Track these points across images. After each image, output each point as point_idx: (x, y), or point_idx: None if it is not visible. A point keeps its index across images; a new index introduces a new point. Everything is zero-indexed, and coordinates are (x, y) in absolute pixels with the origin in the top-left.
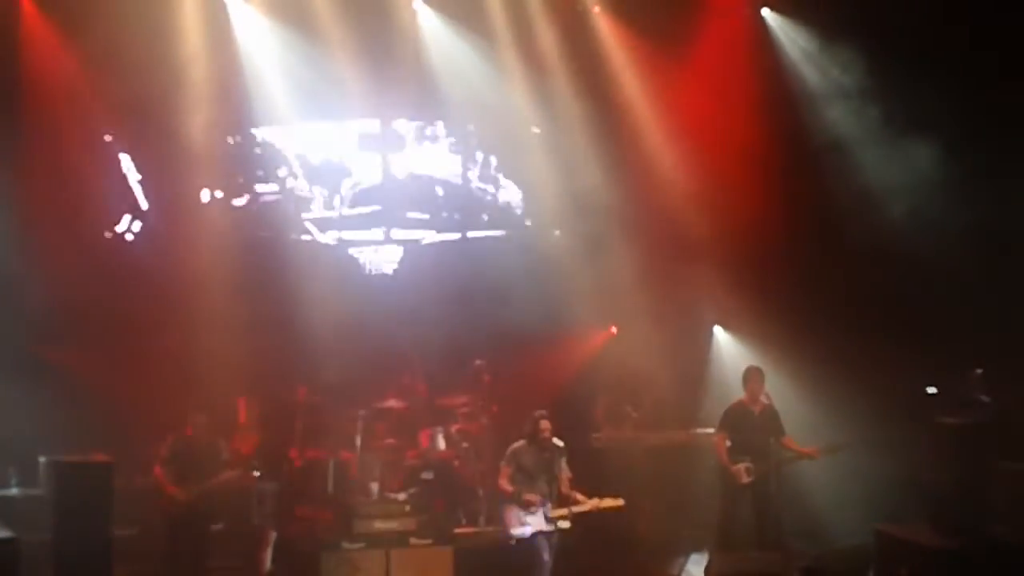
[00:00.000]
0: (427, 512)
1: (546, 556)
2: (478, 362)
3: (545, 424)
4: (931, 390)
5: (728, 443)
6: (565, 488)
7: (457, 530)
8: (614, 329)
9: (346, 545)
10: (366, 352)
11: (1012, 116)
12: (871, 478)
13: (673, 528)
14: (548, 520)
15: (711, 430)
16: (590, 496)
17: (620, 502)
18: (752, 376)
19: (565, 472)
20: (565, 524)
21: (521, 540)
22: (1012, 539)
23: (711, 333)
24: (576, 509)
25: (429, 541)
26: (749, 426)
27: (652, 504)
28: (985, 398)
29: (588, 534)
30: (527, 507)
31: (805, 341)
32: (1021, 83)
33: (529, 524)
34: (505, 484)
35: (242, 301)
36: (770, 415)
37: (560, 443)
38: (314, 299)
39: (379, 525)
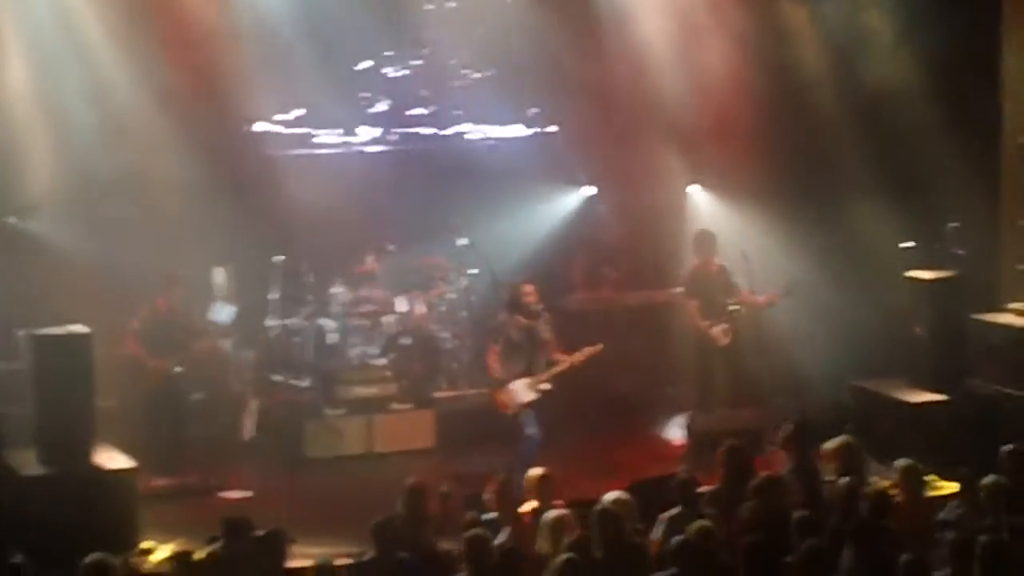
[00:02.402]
0: (407, 377)
1: (529, 430)
2: (455, 222)
3: (528, 289)
4: (906, 244)
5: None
6: (550, 354)
7: (437, 394)
8: (592, 190)
9: (327, 412)
10: (344, 219)
11: None
12: (847, 334)
13: (653, 386)
14: (534, 391)
15: (679, 290)
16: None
17: (598, 347)
18: (703, 239)
19: (549, 337)
20: (546, 386)
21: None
22: (987, 390)
23: (686, 192)
24: (556, 370)
25: (410, 406)
26: (711, 287)
27: (631, 363)
28: (959, 252)
29: (568, 393)
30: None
31: (780, 199)
32: None
33: (519, 397)
34: (495, 364)
35: (219, 171)
36: (725, 273)
37: (542, 309)
38: (289, 173)
39: (360, 391)
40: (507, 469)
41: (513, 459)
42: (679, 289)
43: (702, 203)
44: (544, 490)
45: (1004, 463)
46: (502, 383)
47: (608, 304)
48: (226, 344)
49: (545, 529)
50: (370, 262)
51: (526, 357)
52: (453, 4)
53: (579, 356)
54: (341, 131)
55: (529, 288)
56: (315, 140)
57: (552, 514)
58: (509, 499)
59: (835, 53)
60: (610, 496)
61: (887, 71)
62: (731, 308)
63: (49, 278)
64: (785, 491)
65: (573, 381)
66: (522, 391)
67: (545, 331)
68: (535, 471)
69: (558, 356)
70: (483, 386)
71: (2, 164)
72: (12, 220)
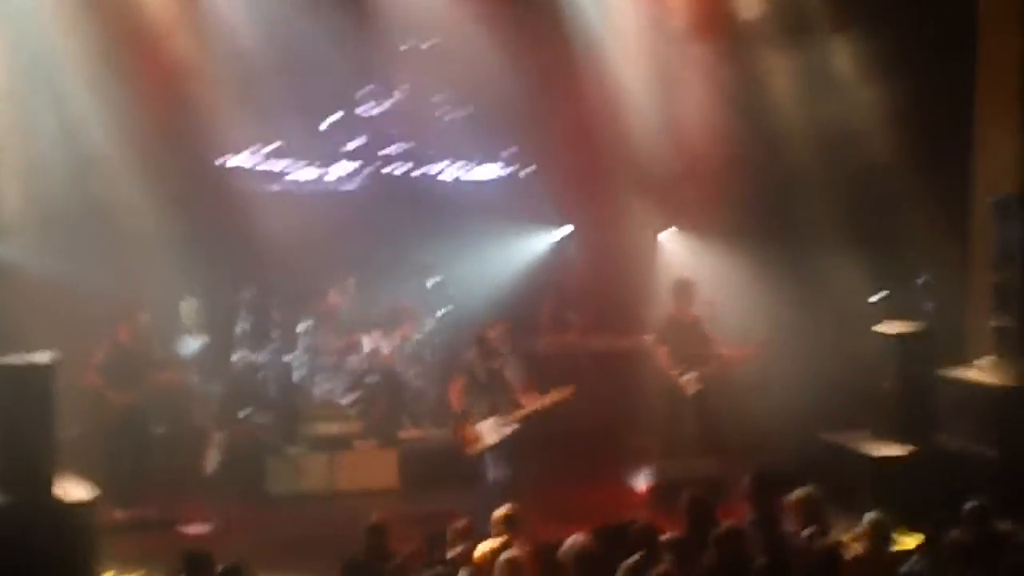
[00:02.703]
0: (372, 415)
1: (493, 473)
2: (424, 261)
3: (492, 332)
4: (875, 297)
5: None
6: (518, 395)
7: (402, 433)
8: (562, 232)
9: (290, 448)
10: (314, 256)
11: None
12: (815, 386)
13: (618, 433)
14: (499, 432)
15: (651, 338)
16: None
17: (567, 392)
18: (682, 288)
19: (515, 378)
20: (512, 428)
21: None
22: (953, 446)
23: (656, 238)
24: (522, 413)
25: (374, 444)
26: (683, 336)
27: (596, 409)
28: (928, 306)
29: (533, 437)
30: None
31: (752, 248)
32: None
33: (485, 437)
34: (455, 398)
35: (189, 203)
36: (699, 324)
37: (506, 348)
38: (260, 208)
39: (323, 428)
40: (470, 509)
41: (474, 500)
42: (650, 336)
43: (674, 249)
44: (509, 529)
45: (967, 519)
46: (465, 417)
47: (573, 349)
48: (192, 377)
49: (498, 571)
50: (332, 296)
51: (491, 397)
52: (429, 44)
53: (547, 400)
54: (314, 167)
55: (496, 328)
56: (288, 176)
57: (506, 555)
58: (470, 539)
59: (809, 105)
60: (572, 540)
61: (860, 124)
62: (702, 359)
63: (14, 305)
64: (747, 541)
65: (537, 425)
66: (488, 432)
67: (512, 372)
68: (501, 510)
69: (524, 398)
70: (448, 426)
71: None
72: None
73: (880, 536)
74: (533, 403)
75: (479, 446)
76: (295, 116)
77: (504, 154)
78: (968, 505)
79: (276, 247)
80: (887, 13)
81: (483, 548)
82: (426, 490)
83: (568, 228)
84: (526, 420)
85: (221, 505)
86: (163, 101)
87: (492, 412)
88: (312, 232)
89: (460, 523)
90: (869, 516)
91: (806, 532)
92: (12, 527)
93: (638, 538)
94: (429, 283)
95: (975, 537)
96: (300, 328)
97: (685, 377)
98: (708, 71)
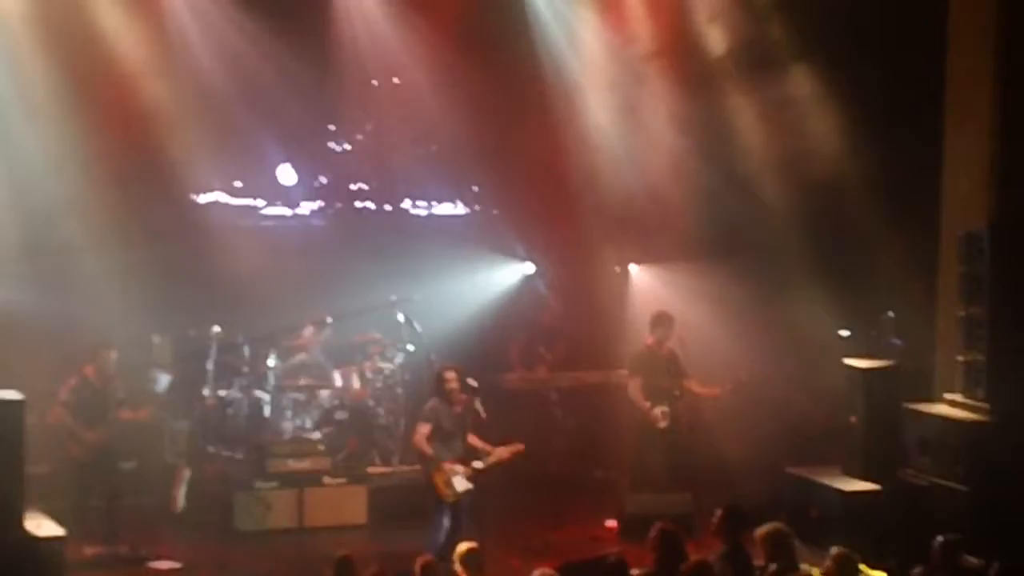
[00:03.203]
0: (341, 452)
1: (447, 522)
2: (392, 298)
3: (450, 376)
4: (843, 333)
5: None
6: (472, 440)
7: (371, 470)
8: (530, 267)
9: (259, 484)
10: (282, 291)
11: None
12: (783, 421)
13: (587, 467)
14: (468, 479)
15: (624, 371)
16: (493, 444)
17: (519, 448)
18: (661, 320)
19: (476, 423)
20: (468, 486)
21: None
22: (920, 481)
23: (626, 272)
24: (477, 465)
25: (343, 480)
26: (657, 369)
27: (564, 445)
28: (896, 341)
29: (499, 476)
30: (450, 472)
31: (719, 284)
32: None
33: (459, 485)
34: (424, 445)
35: (158, 239)
36: (674, 358)
37: (474, 384)
38: (229, 244)
39: (292, 464)
40: (440, 549)
41: (432, 541)
42: (623, 369)
43: (644, 282)
44: (471, 565)
45: (935, 554)
46: (438, 464)
47: (542, 384)
48: (161, 413)
49: None
50: (308, 334)
51: (460, 445)
52: (397, 81)
53: (503, 453)
54: (282, 204)
55: (452, 374)
56: (256, 212)
57: None
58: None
59: (775, 139)
60: (538, 574)
61: (827, 159)
62: (674, 393)
63: None
64: (716, 575)
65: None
66: (461, 480)
67: (473, 417)
68: (462, 547)
69: (476, 443)
70: (416, 464)
71: None
72: None
73: (846, 571)
74: (492, 456)
75: (455, 495)
76: (263, 153)
77: (470, 190)
78: (938, 540)
79: (245, 283)
80: (853, 46)
81: None
82: (395, 526)
83: (535, 263)
84: (479, 474)
85: (190, 542)
86: (130, 139)
87: (462, 460)
88: (280, 267)
89: (424, 559)
90: (835, 550)
91: (773, 566)
92: None
93: (611, 572)
94: (399, 317)
95: (943, 573)
96: (270, 363)
97: (655, 410)
98: (673, 106)
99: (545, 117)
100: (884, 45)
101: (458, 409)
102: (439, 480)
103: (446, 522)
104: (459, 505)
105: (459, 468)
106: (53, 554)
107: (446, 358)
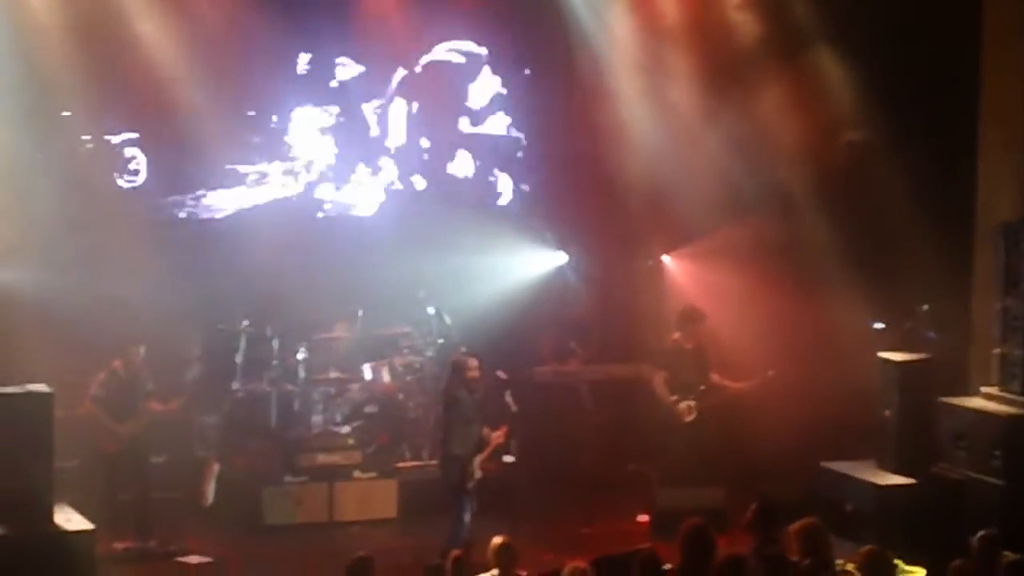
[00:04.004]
0: (371, 446)
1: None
2: (422, 294)
3: (472, 363)
4: (878, 325)
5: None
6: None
7: (401, 464)
8: (562, 258)
9: (289, 479)
10: (312, 285)
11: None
12: (816, 415)
13: (618, 462)
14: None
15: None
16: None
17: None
18: (689, 316)
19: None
20: (478, 474)
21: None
22: (955, 475)
23: (659, 264)
24: (486, 453)
25: (373, 474)
26: (684, 364)
27: (595, 439)
28: (931, 334)
29: (532, 469)
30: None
31: (753, 274)
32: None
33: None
34: (456, 443)
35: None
36: (702, 352)
37: (504, 377)
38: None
39: (322, 459)
40: (464, 541)
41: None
42: (650, 363)
43: (677, 274)
44: (504, 559)
45: (975, 548)
46: (464, 458)
47: (574, 378)
48: (191, 407)
49: None
50: (340, 328)
51: (473, 431)
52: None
53: (498, 438)
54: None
55: (474, 362)
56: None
57: None
58: (468, 570)
59: (810, 131)
60: (570, 568)
61: (862, 150)
62: (700, 388)
63: (11, 335)
64: (748, 571)
65: (536, 455)
66: (476, 468)
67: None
68: (496, 540)
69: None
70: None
71: None
72: None
73: (881, 566)
74: (492, 441)
75: (472, 482)
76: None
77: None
78: (978, 534)
79: (274, 276)
80: (889, 38)
81: None
82: (425, 520)
83: (569, 254)
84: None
85: (220, 536)
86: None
87: (479, 449)
88: (309, 261)
89: (455, 553)
90: (869, 546)
91: (808, 561)
92: (12, 557)
93: (643, 566)
94: (430, 310)
95: (981, 566)
96: (300, 357)
97: (681, 404)
98: (704, 94)
99: (581, 104)
100: (918, 33)
101: (476, 395)
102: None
103: (466, 516)
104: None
105: (479, 457)
106: (83, 548)
107: (477, 351)
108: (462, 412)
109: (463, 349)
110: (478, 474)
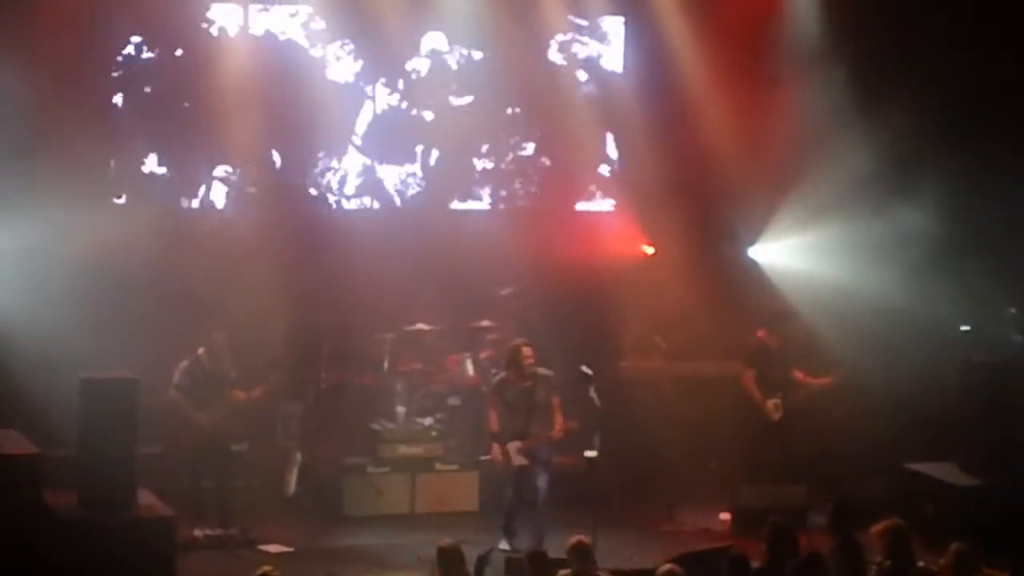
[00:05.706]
0: (453, 438)
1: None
2: (506, 290)
3: (527, 352)
4: (964, 327)
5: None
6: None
7: (483, 457)
8: (649, 250)
9: (371, 469)
10: (394, 275)
11: None
12: (900, 415)
13: (700, 458)
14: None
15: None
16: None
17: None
18: (778, 317)
19: (547, 400)
20: (523, 461)
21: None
22: None
23: (746, 260)
24: (534, 442)
25: (455, 467)
26: (770, 361)
27: (678, 436)
28: (1018, 337)
29: (615, 465)
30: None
31: (839, 272)
32: None
33: (514, 459)
34: (492, 423)
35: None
36: (786, 349)
37: (547, 372)
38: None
39: (404, 450)
40: (537, 537)
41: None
42: (738, 360)
43: (764, 268)
44: (581, 557)
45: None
46: (498, 439)
47: (657, 374)
48: (274, 397)
49: None
50: (422, 321)
51: (522, 420)
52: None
53: (559, 430)
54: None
55: (528, 350)
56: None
57: None
58: (542, 567)
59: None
60: (664, 569)
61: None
62: (786, 385)
63: (107, 323)
64: (828, 570)
65: (620, 450)
66: (515, 454)
67: (543, 394)
68: (574, 538)
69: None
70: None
71: None
72: None
73: (965, 567)
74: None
75: (508, 467)
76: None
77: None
78: None
79: (358, 268)
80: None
81: None
82: None
83: (653, 248)
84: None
85: (301, 526)
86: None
87: (521, 436)
88: (393, 254)
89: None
90: (955, 546)
91: (889, 562)
92: (91, 541)
93: (733, 565)
94: (512, 305)
95: None
96: (384, 348)
97: (770, 402)
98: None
99: (665, 95)
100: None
101: (526, 383)
102: (496, 452)
103: (509, 492)
104: (520, 478)
105: (516, 443)
106: (165, 534)
107: (560, 345)
108: (505, 397)
109: (547, 344)
110: (519, 460)
